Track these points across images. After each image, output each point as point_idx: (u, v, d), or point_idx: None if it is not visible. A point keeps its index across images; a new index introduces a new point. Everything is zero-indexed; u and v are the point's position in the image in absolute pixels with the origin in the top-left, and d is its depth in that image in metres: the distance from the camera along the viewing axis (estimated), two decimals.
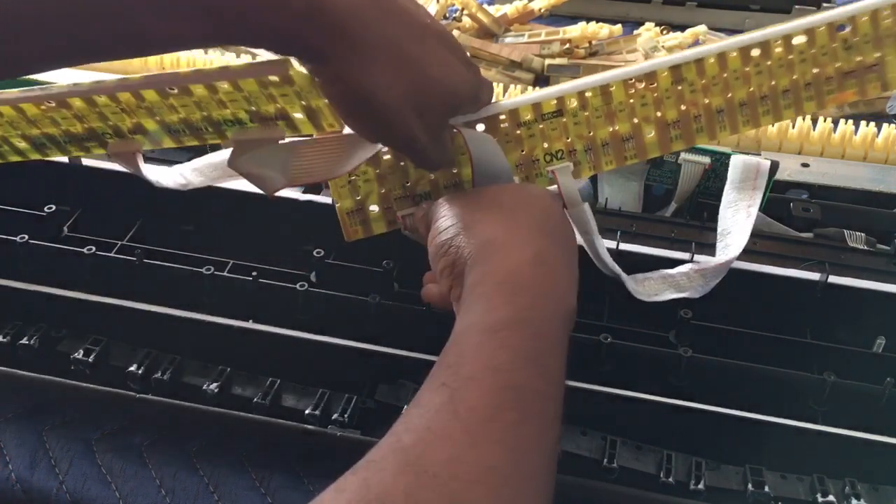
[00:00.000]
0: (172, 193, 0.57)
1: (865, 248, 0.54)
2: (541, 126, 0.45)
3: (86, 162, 0.58)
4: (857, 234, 0.55)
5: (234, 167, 0.43)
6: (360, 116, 0.40)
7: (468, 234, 0.39)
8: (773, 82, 0.46)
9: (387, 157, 0.47)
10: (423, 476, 0.28)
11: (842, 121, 0.68)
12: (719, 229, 0.51)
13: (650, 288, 0.48)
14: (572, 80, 0.45)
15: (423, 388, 0.32)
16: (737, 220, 0.51)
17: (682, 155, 0.58)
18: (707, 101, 0.46)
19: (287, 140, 0.44)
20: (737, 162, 0.53)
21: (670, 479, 0.43)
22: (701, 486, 0.43)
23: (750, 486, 0.42)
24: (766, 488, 0.42)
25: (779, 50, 0.45)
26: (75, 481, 0.46)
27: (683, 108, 0.46)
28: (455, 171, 0.47)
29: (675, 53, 0.45)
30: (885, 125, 0.69)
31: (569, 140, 0.46)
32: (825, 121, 0.68)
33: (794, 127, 0.68)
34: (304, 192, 0.57)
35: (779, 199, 0.59)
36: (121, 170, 0.57)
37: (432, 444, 0.29)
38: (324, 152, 0.44)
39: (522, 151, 0.46)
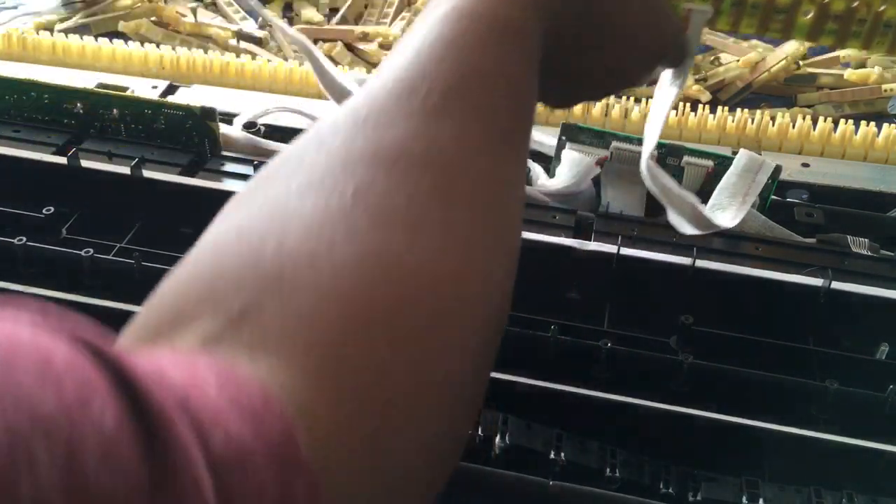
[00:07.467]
0: (171, 195, 0.57)
1: (869, 253, 0.54)
2: None
3: (85, 164, 0.57)
4: (861, 239, 0.54)
5: None
6: None
7: None
8: None
9: None
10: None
11: (842, 121, 0.68)
12: (711, 202, 0.53)
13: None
14: None
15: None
16: (732, 205, 0.52)
17: (685, 158, 0.58)
18: (882, 8, 0.41)
19: None
20: (742, 154, 0.54)
21: (670, 490, 0.43)
22: (698, 497, 0.43)
23: (745, 498, 0.42)
24: (761, 501, 0.42)
25: None
26: None
27: (855, 4, 0.42)
28: None
29: None
30: (885, 125, 0.68)
31: None
32: (825, 121, 0.68)
33: (794, 127, 0.68)
34: None
35: (781, 203, 0.59)
36: (120, 171, 0.57)
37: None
38: None
39: None
